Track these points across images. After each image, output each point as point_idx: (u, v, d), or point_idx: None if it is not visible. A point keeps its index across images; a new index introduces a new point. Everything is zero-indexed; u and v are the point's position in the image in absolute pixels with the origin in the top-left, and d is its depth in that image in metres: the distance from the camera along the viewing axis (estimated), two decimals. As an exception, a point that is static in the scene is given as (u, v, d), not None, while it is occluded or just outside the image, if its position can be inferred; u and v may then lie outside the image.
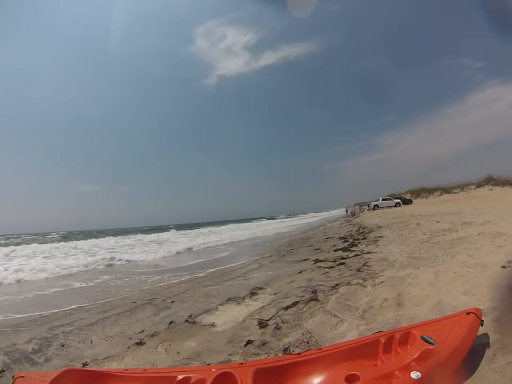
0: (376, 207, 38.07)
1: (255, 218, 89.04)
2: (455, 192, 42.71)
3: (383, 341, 2.06)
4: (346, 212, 44.58)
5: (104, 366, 3.45)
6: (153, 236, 29.49)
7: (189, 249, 16.96)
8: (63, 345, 4.22)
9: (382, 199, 39.66)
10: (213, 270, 9.36)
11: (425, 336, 1.94)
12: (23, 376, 2.95)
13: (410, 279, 4.25)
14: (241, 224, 51.80)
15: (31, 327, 5.12)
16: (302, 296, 4.81)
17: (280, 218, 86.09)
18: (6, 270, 11.30)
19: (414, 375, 1.62)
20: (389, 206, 37.00)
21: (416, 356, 1.82)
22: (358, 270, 5.85)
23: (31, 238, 38.39)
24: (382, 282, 4.54)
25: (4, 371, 3.59)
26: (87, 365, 3.54)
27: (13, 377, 2.99)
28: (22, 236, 46.92)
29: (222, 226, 43.83)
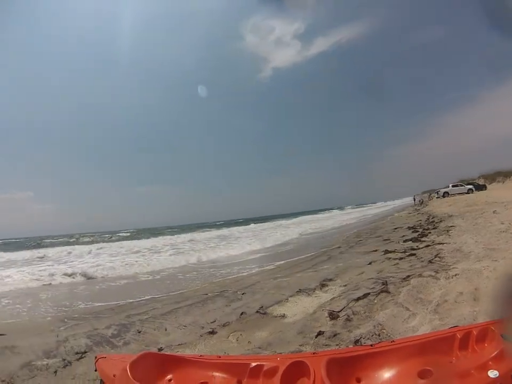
0: (446, 194, 35.57)
1: (324, 210, 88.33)
2: (537, 175, 38.59)
3: (459, 337, 1.97)
4: (414, 200, 42.18)
5: (178, 352, 3.66)
6: (219, 232, 30.08)
7: (258, 242, 17.19)
8: (139, 332, 4.64)
9: (452, 186, 36.89)
10: (282, 262, 9.51)
11: (505, 334, 1.85)
12: (105, 357, 3.25)
13: (488, 272, 4.04)
14: (311, 215, 51.81)
15: (109, 315, 5.70)
16: (373, 287, 4.75)
17: (348, 209, 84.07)
18: (86, 264, 12.66)
19: (492, 373, 1.54)
20: (460, 193, 34.40)
21: (494, 354, 1.72)
22: (430, 261, 5.64)
23: (101, 237, 41.44)
24: (456, 275, 4.36)
25: (86, 352, 4.05)
26: (162, 350, 3.80)
27: (95, 357, 3.34)
28: (96, 234, 50.42)
29: (293, 219, 44.36)
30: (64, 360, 3.84)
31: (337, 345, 3.15)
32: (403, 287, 4.40)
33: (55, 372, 3.57)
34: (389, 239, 10.28)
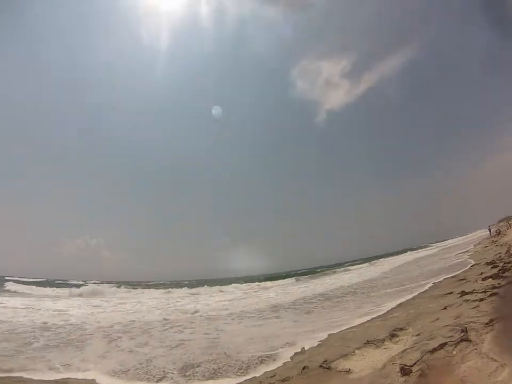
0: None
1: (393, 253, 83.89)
2: None
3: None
4: (489, 231, 37.86)
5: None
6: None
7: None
8: None
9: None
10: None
11: None
12: None
13: None
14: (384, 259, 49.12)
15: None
16: (450, 336, 3.92)
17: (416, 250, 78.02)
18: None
19: None
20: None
21: None
22: (517, 300, 4.72)
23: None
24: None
25: None
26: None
27: None
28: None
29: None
30: None
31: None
32: (487, 333, 3.52)
33: None
34: (464, 279, 8.88)
